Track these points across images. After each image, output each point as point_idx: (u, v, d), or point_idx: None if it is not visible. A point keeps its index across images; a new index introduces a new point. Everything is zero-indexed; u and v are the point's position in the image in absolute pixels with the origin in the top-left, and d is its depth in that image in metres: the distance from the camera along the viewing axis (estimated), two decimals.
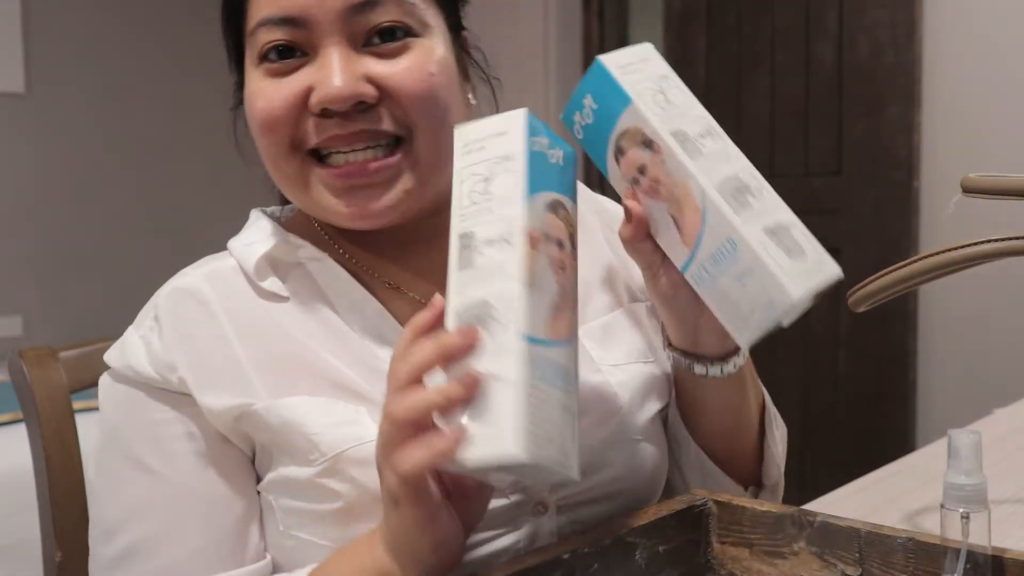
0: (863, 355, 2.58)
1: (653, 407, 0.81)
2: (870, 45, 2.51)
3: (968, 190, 0.74)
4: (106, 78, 3.52)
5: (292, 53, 0.71)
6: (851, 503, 0.94)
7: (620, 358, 0.81)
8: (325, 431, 0.69)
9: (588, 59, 3.36)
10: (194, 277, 0.76)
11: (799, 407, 2.68)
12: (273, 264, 0.76)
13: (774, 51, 2.73)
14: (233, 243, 0.79)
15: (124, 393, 0.73)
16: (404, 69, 0.72)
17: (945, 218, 2.37)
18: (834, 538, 0.67)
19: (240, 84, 0.79)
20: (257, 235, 0.78)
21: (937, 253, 0.74)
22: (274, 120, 0.71)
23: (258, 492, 0.74)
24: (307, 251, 0.77)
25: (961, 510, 0.57)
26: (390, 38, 0.72)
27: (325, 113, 0.71)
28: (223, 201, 3.31)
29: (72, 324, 3.39)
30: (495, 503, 0.70)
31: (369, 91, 0.71)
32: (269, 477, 0.71)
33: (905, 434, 2.52)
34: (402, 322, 0.75)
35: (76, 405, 0.98)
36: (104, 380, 0.76)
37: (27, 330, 3.36)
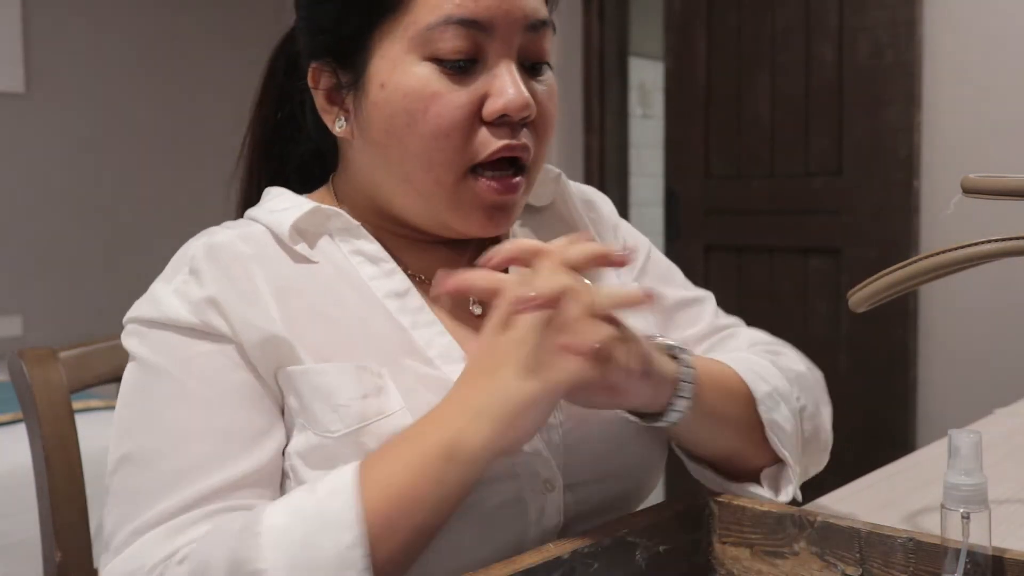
0: (863, 355, 2.58)
1: None
2: (870, 45, 2.51)
3: (968, 191, 0.74)
4: (106, 78, 3.51)
5: (471, 59, 0.71)
6: (851, 503, 0.94)
7: None
8: (352, 404, 0.69)
9: (588, 59, 3.36)
10: (226, 236, 0.75)
11: None
12: (301, 234, 0.76)
13: (774, 51, 2.73)
14: (256, 211, 0.79)
15: (161, 336, 0.72)
16: (549, 95, 0.76)
17: (945, 218, 2.37)
18: (835, 538, 0.67)
19: (342, 63, 0.75)
20: (285, 204, 0.78)
21: (937, 253, 0.74)
22: (454, 126, 0.71)
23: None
24: (340, 220, 0.77)
25: (961, 510, 0.57)
26: (543, 63, 0.76)
27: (498, 122, 0.72)
28: (224, 201, 3.31)
29: (72, 324, 3.39)
30: (502, 482, 0.71)
31: (535, 107, 0.73)
32: (293, 443, 0.71)
33: (905, 434, 2.52)
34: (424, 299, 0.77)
35: (76, 405, 0.98)
36: (135, 328, 0.74)
37: (27, 330, 3.36)
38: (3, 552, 1.79)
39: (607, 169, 3.43)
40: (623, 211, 3.51)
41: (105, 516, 0.70)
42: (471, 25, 0.70)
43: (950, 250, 0.74)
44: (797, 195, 2.71)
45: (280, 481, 0.73)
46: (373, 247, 0.77)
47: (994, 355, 2.33)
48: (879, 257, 2.50)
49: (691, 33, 2.92)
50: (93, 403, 2.06)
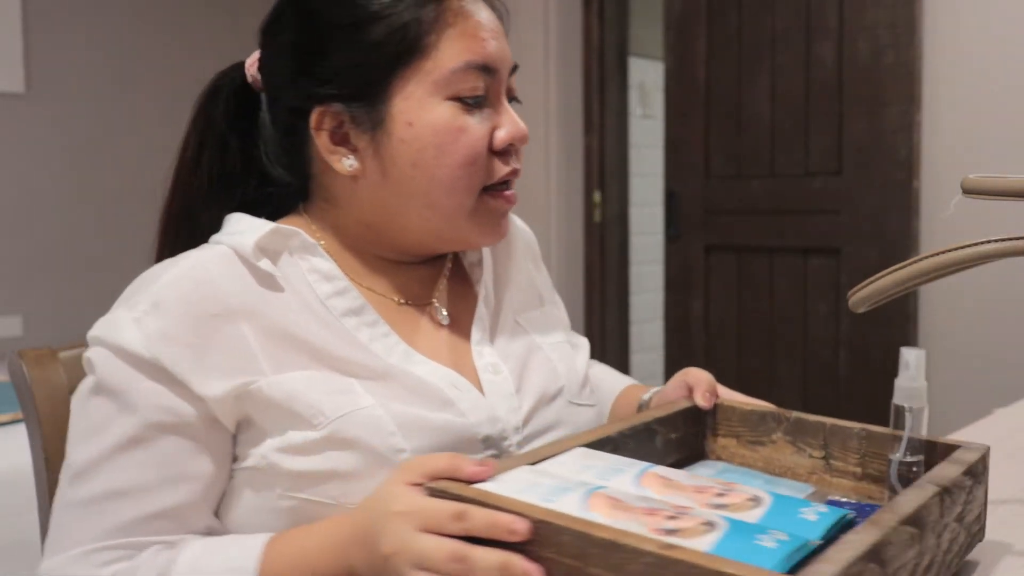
0: (863, 355, 2.58)
1: (582, 375, 0.96)
2: (870, 45, 2.51)
3: (968, 191, 0.74)
4: (106, 78, 3.52)
5: (482, 97, 0.83)
6: None
7: (553, 339, 0.97)
8: (327, 398, 0.76)
9: (588, 59, 3.37)
10: (193, 261, 0.79)
11: (799, 407, 2.67)
12: (263, 251, 0.81)
13: (774, 51, 2.73)
14: (219, 236, 0.83)
15: (114, 363, 0.76)
16: (524, 123, 0.88)
17: (945, 218, 2.37)
18: (805, 429, 0.87)
19: (358, 106, 0.82)
20: (245, 226, 0.83)
21: (937, 254, 0.74)
22: (478, 154, 0.82)
23: (246, 467, 0.77)
24: (298, 239, 0.83)
25: (906, 404, 0.76)
26: (515, 97, 0.89)
27: (505, 150, 0.84)
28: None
29: (72, 324, 3.39)
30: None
31: None
32: (269, 445, 0.76)
33: None
34: (380, 313, 0.85)
35: None
36: (94, 347, 0.78)
37: (27, 330, 3.36)
38: (3, 552, 1.79)
39: (607, 169, 3.43)
40: (623, 211, 3.51)
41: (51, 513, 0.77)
42: (483, 69, 0.82)
43: (950, 250, 0.74)
44: (797, 195, 2.71)
45: (220, 495, 0.79)
46: (328, 266, 0.84)
47: (994, 355, 2.33)
48: (879, 257, 2.50)
49: (691, 33, 2.92)
50: None
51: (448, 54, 0.81)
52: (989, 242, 0.72)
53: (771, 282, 2.78)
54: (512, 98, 0.88)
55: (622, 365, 3.53)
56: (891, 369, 2.51)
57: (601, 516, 0.61)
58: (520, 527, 0.59)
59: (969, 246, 0.73)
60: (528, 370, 0.91)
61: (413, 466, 0.67)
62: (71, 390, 0.96)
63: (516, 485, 0.66)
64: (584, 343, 1.04)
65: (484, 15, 0.83)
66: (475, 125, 0.82)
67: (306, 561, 0.70)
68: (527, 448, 0.85)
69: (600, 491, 0.64)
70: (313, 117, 0.83)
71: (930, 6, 2.41)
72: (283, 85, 0.86)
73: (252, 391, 0.75)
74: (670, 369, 3.03)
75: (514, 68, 0.87)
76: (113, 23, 3.54)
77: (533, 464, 0.71)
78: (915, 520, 0.62)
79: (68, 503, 0.74)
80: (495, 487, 0.65)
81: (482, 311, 0.92)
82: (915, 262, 0.75)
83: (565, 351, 0.97)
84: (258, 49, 0.90)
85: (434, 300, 0.91)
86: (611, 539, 0.56)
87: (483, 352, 0.89)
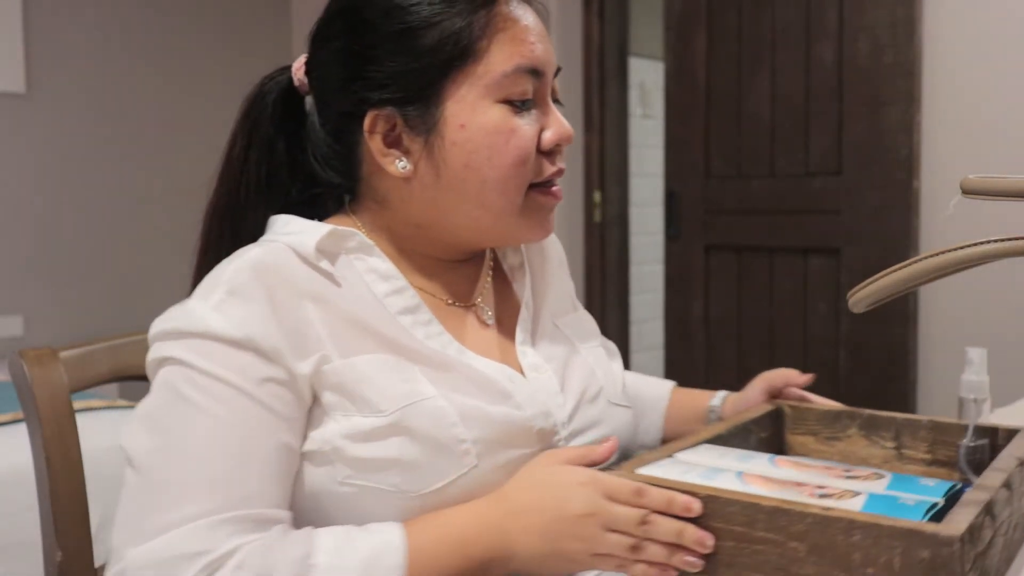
0: (863, 355, 2.58)
1: (618, 379, 1.00)
2: (870, 45, 2.51)
3: (967, 191, 0.74)
4: (106, 78, 3.52)
5: (530, 100, 0.85)
6: None
7: (589, 344, 1.00)
8: (394, 385, 0.78)
9: (588, 59, 3.37)
10: (257, 251, 0.80)
11: None
12: (323, 253, 0.83)
13: (774, 51, 2.73)
14: (273, 236, 0.84)
15: (203, 345, 0.75)
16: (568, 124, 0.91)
17: (945, 218, 2.37)
18: (877, 424, 0.97)
19: (411, 110, 0.84)
20: (300, 227, 0.84)
21: (937, 254, 0.74)
22: (528, 154, 0.85)
23: (307, 451, 0.78)
24: (355, 240, 0.85)
25: (972, 396, 0.89)
26: (557, 99, 0.90)
27: (551, 149, 0.87)
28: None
29: (72, 324, 3.39)
30: (520, 452, 0.82)
31: None
32: (333, 430, 0.77)
33: None
34: (432, 312, 0.87)
35: (76, 405, 0.98)
36: (174, 345, 0.76)
37: (27, 330, 3.36)
38: (3, 552, 1.79)
39: (607, 169, 3.43)
40: (623, 211, 3.51)
41: (124, 501, 0.73)
42: (532, 72, 0.84)
43: (950, 251, 0.74)
44: (797, 195, 2.71)
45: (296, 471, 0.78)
46: (386, 265, 0.85)
47: (994, 355, 2.33)
48: (879, 257, 2.50)
49: (691, 33, 2.92)
50: (93, 403, 2.06)
51: (499, 58, 0.83)
52: (989, 242, 0.72)
53: (771, 282, 2.78)
54: (554, 99, 0.90)
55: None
56: (891, 369, 2.52)
57: (759, 489, 0.72)
58: (696, 505, 0.71)
59: (969, 246, 0.73)
60: (569, 371, 0.93)
61: (551, 455, 0.80)
62: (71, 390, 0.96)
63: (675, 470, 0.78)
64: (616, 349, 1.07)
65: (531, 19, 0.86)
66: (524, 126, 0.84)
67: (454, 538, 0.75)
68: (574, 443, 0.88)
69: (747, 472, 0.77)
70: (367, 121, 0.84)
71: (930, 6, 2.41)
72: (334, 89, 0.87)
73: (325, 372, 0.77)
74: (670, 369, 3.03)
75: (557, 70, 0.89)
76: (113, 23, 3.54)
77: (671, 456, 0.83)
78: (1008, 484, 0.74)
79: (172, 481, 0.71)
80: (657, 472, 0.77)
81: (524, 313, 0.95)
82: (915, 262, 0.75)
83: (600, 355, 1.00)
84: (304, 54, 0.91)
85: (479, 300, 0.93)
86: (776, 506, 0.67)
87: (527, 352, 0.92)
